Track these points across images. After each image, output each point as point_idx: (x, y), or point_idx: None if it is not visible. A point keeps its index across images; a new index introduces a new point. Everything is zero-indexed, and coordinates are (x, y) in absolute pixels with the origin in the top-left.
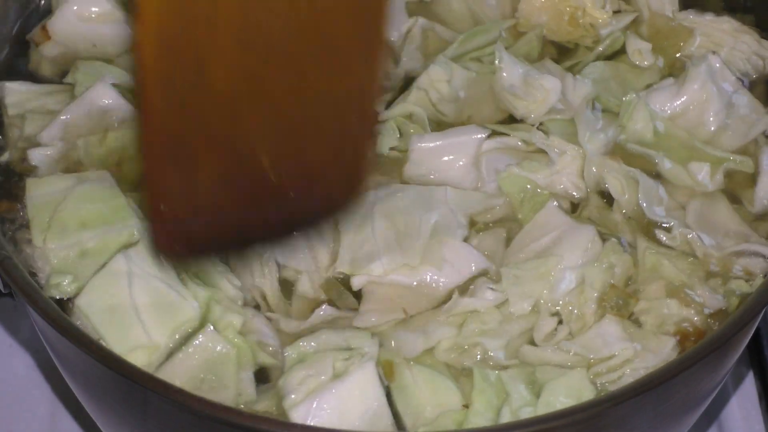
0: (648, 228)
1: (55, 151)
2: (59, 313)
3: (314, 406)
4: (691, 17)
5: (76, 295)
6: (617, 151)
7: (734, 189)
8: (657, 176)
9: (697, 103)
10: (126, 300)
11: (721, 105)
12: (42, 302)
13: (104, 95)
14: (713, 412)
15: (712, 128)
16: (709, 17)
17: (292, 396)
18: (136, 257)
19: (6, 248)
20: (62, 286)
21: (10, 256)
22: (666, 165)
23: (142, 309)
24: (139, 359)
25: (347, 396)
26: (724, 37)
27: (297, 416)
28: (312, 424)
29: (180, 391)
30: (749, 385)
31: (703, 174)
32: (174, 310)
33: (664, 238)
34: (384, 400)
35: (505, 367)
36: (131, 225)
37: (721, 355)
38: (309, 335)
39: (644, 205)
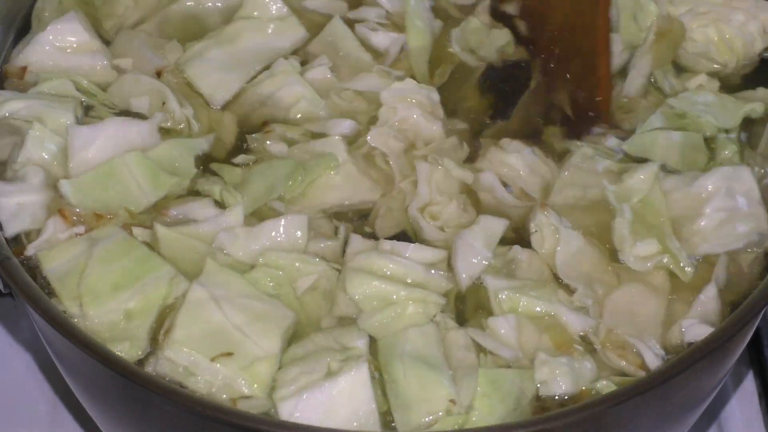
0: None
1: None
2: (59, 313)
3: (302, 402)
4: None
5: (146, 356)
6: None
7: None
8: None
9: (701, 196)
10: (224, 322)
11: (724, 208)
12: (42, 302)
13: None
14: (713, 412)
15: (703, 224)
16: None
17: (283, 390)
18: (209, 283)
19: (6, 249)
20: (127, 353)
21: (11, 257)
22: (626, 218)
23: (243, 326)
24: (262, 371)
25: (336, 395)
26: (718, 9)
27: (284, 410)
28: (297, 419)
29: (179, 391)
30: (749, 385)
31: (640, 254)
32: (274, 319)
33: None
34: (373, 402)
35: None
36: (164, 274)
37: (721, 355)
38: (301, 341)
39: (558, 264)
